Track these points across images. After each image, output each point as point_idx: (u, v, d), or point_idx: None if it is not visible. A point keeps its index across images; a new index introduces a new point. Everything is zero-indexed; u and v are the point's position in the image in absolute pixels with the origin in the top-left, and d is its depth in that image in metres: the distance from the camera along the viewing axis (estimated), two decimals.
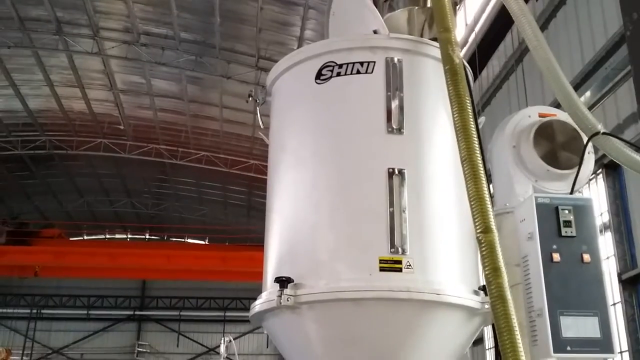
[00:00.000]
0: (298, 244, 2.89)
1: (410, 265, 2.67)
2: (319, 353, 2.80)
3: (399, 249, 2.69)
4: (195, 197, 29.77)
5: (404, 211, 2.75)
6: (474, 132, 2.68)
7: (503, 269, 2.39)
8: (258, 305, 2.93)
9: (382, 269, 2.65)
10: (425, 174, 2.89)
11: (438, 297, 2.65)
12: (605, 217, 9.58)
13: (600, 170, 9.48)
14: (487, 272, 2.39)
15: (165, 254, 22.96)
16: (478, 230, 2.47)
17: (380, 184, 2.79)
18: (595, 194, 9.60)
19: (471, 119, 2.71)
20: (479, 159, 2.61)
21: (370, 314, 2.65)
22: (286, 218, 3.03)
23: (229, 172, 25.21)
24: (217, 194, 29.19)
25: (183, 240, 31.36)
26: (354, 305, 2.65)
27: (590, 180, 9.39)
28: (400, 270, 2.66)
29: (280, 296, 2.70)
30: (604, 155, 8.43)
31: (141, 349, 31.08)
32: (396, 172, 2.81)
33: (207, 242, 29.99)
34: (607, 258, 9.25)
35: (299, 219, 2.94)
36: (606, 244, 9.34)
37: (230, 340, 20.97)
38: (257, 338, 30.28)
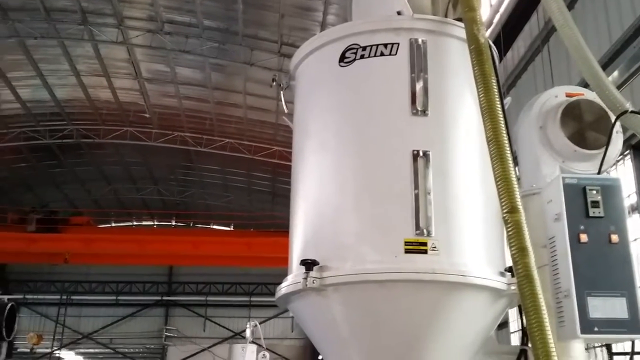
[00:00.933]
0: (323, 227, 2.90)
1: (435, 247, 2.67)
2: (344, 335, 2.81)
3: (424, 230, 2.68)
4: (220, 184, 29.99)
5: (428, 193, 2.74)
6: (500, 112, 2.66)
7: (530, 249, 2.37)
8: (284, 288, 2.96)
9: (407, 251, 2.65)
10: (450, 156, 2.88)
11: (463, 278, 2.65)
12: (633, 199, 9.43)
13: (627, 151, 9.32)
14: (513, 252, 2.38)
15: (192, 240, 23.24)
16: (504, 210, 2.46)
17: (405, 166, 2.79)
18: (623, 175, 9.44)
19: (497, 99, 2.68)
20: (505, 139, 2.59)
21: (395, 296, 2.65)
22: (311, 201, 3.04)
23: (253, 159, 25.33)
24: (242, 181, 29.37)
25: (209, 226, 31.65)
26: (379, 287, 2.66)
27: (618, 161, 9.25)
28: (425, 252, 2.65)
29: (305, 278, 2.72)
30: (631, 136, 8.28)
31: (169, 334, 31.54)
32: (421, 154, 2.80)
33: (232, 229, 30.25)
34: (635, 240, 9.11)
35: (323, 202, 2.95)
36: (634, 226, 9.19)
37: (255, 325, 21.19)
38: (282, 322, 30.52)
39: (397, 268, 2.64)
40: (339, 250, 2.78)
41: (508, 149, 2.60)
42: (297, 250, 3.00)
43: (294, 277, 2.90)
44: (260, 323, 21.19)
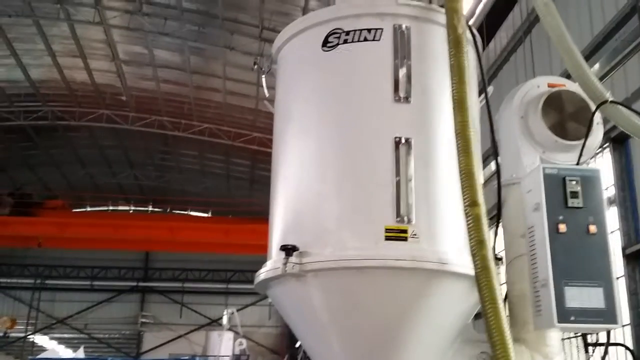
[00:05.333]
0: (304, 213, 2.88)
1: (415, 234, 2.66)
2: (323, 321, 2.80)
3: (405, 218, 2.68)
4: (197, 169, 29.77)
5: (410, 180, 2.73)
6: (471, 106, 2.68)
7: (488, 242, 2.45)
8: (263, 274, 2.93)
9: (387, 238, 2.65)
10: (432, 143, 2.87)
11: (443, 266, 2.65)
12: (612, 192, 9.56)
13: (607, 144, 9.42)
14: (472, 245, 2.45)
15: (169, 226, 23.08)
16: (465, 204, 2.51)
17: (386, 153, 2.77)
18: (602, 168, 9.56)
19: (470, 93, 2.70)
20: (472, 133, 2.63)
21: (375, 283, 2.65)
22: (292, 187, 3.01)
23: (232, 145, 25.15)
24: (220, 167, 29.18)
25: (186, 212, 31.44)
26: (359, 273, 2.65)
27: (597, 154, 9.36)
28: (405, 239, 2.65)
29: (285, 264, 2.70)
30: (611, 129, 8.35)
31: (145, 320, 31.37)
32: (403, 141, 2.79)
33: (209, 215, 30.09)
34: (612, 232, 9.26)
35: (304, 187, 2.93)
36: (611, 219, 9.34)
37: (233, 312, 21.14)
38: (260, 310, 30.53)
39: (377, 255, 2.63)
40: (319, 236, 2.77)
41: (475, 143, 2.65)
42: (277, 236, 2.98)
43: (274, 262, 2.88)
44: (237, 310, 21.27)
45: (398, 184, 2.72)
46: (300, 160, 3.00)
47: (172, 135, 25.52)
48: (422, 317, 2.68)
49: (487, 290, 2.37)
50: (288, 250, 2.73)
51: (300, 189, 2.95)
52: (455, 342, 2.86)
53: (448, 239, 2.75)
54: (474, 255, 2.45)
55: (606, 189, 9.82)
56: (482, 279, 2.40)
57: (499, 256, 2.93)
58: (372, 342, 2.70)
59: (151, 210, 32.06)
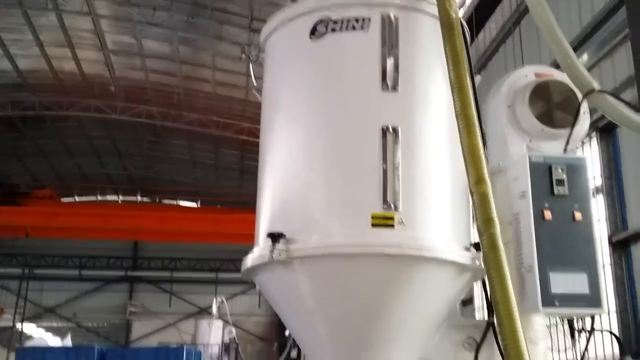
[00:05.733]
0: (291, 201, 2.89)
1: (402, 221, 2.68)
2: (310, 308, 2.82)
3: (392, 205, 2.69)
4: (187, 159, 29.65)
5: (397, 168, 2.75)
6: (469, 87, 2.67)
7: (496, 220, 2.39)
8: (250, 260, 2.95)
9: (374, 225, 2.66)
10: (420, 132, 2.88)
11: (429, 253, 2.68)
12: (599, 182, 9.65)
13: (594, 133, 9.50)
14: (479, 223, 2.40)
15: (158, 216, 23.03)
16: (471, 182, 2.47)
17: (373, 141, 2.78)
18: (589, 157, 9.63)
19: (466, 74, 2.69)
20: (474, 112, 2.61)
21: (361, 270, 2.67)
22: (279, 175, 3.02)
23: (221, 135, 25.07)
24: (209, 157, 29.09)
25: (175, 203, 31.36)
26: (345, 260, 2.67)
27: (584, 143, 9.42)
28: (392, 226, 2.67)
29: (272, 251, 2.71)
30: (599, 119, 8.37)
31: (133, 309, 31.34)
32: (390, 129, 2.80)
33: (199, 205, 29.99)
34: (599, 221, 9.35)
35: (291, 176, 2.94)
36: (598, 207, 9.43)
37: (222, 301, 21.13)
38: (249, 299, 30.55)
39: (363, 242, 2.65)
40: (306, 223, 2.78)
41: (476, 122, 2.61)
42: (265, 223, 2.99)
43: (261, 249, 2.89)
44: (227, 299, 21.27)
45: (385, 171, 2.73)
46: (288, 149, 3.01)
47: (161, 126, 25.39)
48: (408, 304, 2.71)
49: (495, 269, 2.30)
50: (275, 237, 2.74)
51: (287, 177, 2.96)
52: (441, 328, 2.89)
53: (434, 226, 2.78)
54: (481, 234, 2.40)
55: (593, 178, 9.90)
56: (490, 258, 2.33)
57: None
58: (358, 327, 2.73)
59: (140, 201, 31.95)
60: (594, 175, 9.63)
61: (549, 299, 2.72)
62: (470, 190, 2.50)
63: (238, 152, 27.42)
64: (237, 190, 27.11)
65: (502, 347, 2.23)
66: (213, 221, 22.46)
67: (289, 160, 2.97)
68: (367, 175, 2.75)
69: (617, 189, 9.38)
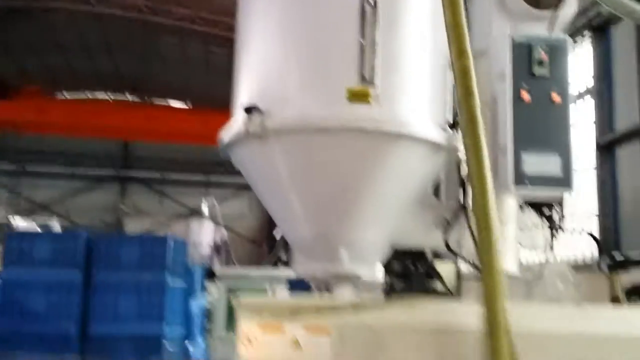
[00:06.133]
0: (267, 79, 2.86)
1: (378, 97, 2.65)
2: (285, 183, 2.84)
3: (368, 80, 2.65)
4: (177, 57, 29.07)
5: (374, 43, 2.69)
6: None
7: (476, 93, 2.37)
8: (227, 136, 2.94)
9: (350, 100, 2.64)
10: (400, 6, 2.80)
11: (405, 129, 2.67)
12: (591, 84, 9.57)
13: (588, 33, 9.30)
14: (459, 96, 2.38)
15: (147, 115, 22.89)
16: (453, 55, 2.43)
17: (351, 14, 2.70)
18: (582, 58, 9.50)
19: None
20: None
21: (336, 144, 2.66)
22: (255, 53, 2.96)
23: (210, 33, 24.44)
24: (201, 57, 28.51)
25: (165, 103, 31.05)
26: (320, 134, 2.65)
27: (576, 41, 9.25)
28: (368, 101, 2.64)
29: (248, 123, 2.70)
30: (593, 17, 8.13)
31: (125, 209, 31.75)
32: (371, 1, 2.71)
33: (190, 106, 29.70)
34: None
35: (267, 50, 2.88)
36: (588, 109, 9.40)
37: (214, 205, 21.33)
38: (240, 202, 30.94)
39: (338, 117, 2.63)
40: (282, 98, 2.75)
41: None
42: (241, 101, 2.95)
43: (238, 125, 2.87)
44: (218, 203, 21.53)
45: (362, 46, 2.67)
46: (264, 26, 2.94)
47: (152, 22, 24.70)
48: (381, 179, 2.73)
49: (472, 139, 2.33)
50: (250, 110, 2.72)
51: (263, 54, 2.90)
52: (412, 206, 2.93)
53: (411, 103, 2.75)
54: (460, 107, 2.40)
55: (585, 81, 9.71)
56: (468, 129, 2.34)
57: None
58: (331, 201, 2.76)
59: (131, 100, 31.63)
60: (588, 75, 9.52)
61: (521, 179, 2.75)
62: (452, 64, 2.45)
63: (230, 50, 26.84)
64: (229, 90, 26.72)
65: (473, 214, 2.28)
66: (202, 122, 22.36)
67: (264, 35, 2.91)
68: (344, 49, 2.69)
69: (607, 89, 9.29)
